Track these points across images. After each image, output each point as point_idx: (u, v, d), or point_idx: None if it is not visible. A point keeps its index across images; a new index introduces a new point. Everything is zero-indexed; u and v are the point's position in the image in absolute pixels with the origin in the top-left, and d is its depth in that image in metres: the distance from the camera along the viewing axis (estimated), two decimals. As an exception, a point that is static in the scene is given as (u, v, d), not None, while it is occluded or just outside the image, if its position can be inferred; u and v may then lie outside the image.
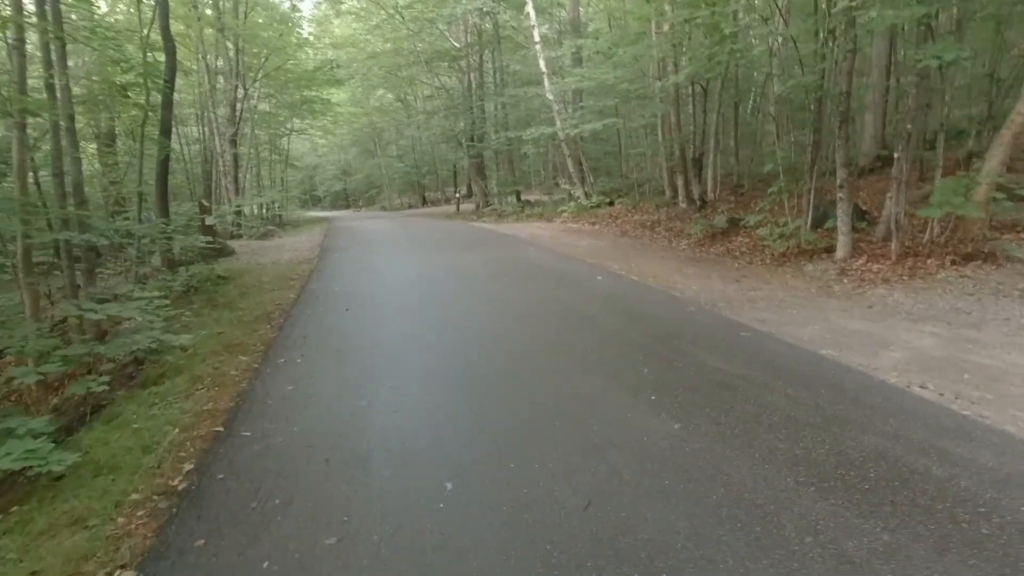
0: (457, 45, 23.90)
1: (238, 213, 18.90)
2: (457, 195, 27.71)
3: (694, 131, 13.49)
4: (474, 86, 23.52)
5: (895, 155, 7.66)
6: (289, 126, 29.55)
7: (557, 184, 28.95)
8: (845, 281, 7.46)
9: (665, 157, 15.34)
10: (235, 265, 10.77)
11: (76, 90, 12.36)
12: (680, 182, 13.88)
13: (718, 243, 11.07)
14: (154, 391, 4.44)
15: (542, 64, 16.21)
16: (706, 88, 12.41)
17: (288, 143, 28.76)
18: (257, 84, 23.89)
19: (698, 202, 13.06)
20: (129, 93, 9.75)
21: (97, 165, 21.02)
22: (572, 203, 16.61)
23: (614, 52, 12.65)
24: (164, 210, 9.94)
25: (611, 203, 16.54)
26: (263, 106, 27.77)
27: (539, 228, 15.42)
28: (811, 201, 9.60)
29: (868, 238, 8.66)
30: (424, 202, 36.63)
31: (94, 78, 10.46)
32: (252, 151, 25.25)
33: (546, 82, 16.30)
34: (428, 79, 26.76)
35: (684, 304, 6.19)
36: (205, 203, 11.15)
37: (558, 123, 16.30)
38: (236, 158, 19.51)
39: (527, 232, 14.51)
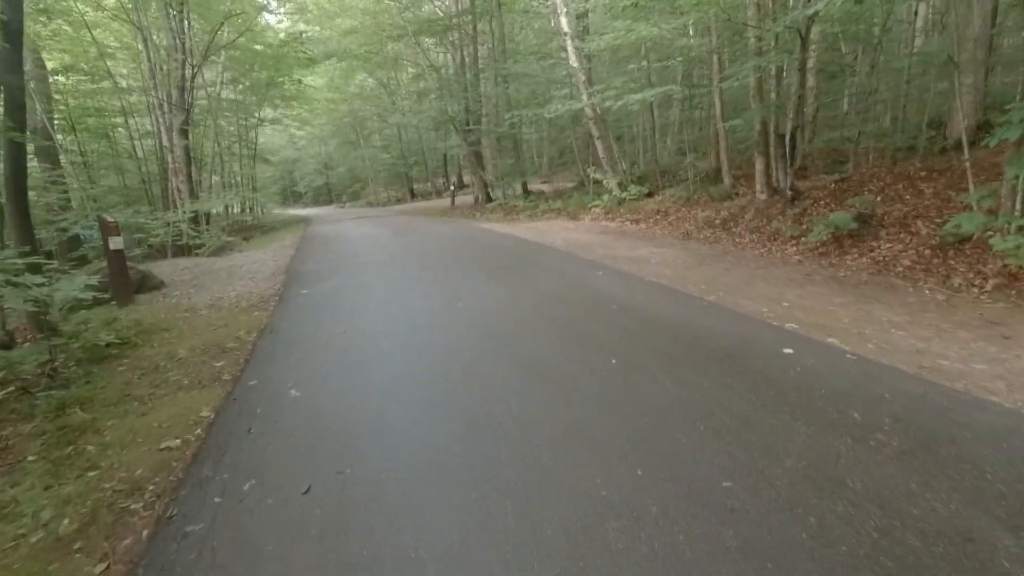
0: (441, 14, 19.81)
1: (194, 220, 14.82)
2: (452, 187, 23.74)
3: (777, 97, 9.76)
4: (468, 62, 19.47)
5: None
6: (259, 115, 25.35)
7: (551, 172, 25.16)
8: None
9: (724, 135, 11.66)
10: (152, 311, 6.87)
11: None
12: (760, 166, 10.20)
13: (851, 251, 7.45)
14: None
15: (564, 22, 12.30)
16: (804, 36, 8.65)
17: (256, 135, 24.46)
18: (215, 61, 19.71)
19: (789, 192, 9.39)
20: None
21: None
22: (605, 195, 12.83)
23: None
24: (25, 234, 6.01)
25: (650, 194, 12.85)
26: (227, 93, 23.62)
27: (569, 230, 11.65)
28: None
29: None
30: (412, 195, 32.55)
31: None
32: (215, 144, 21.00)
33: (569, 45, 12.40)
34: (414, 57, 22.67)
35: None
36: (110, 219, 7.19)
37: (584, 96, 12.47)
38: (188, 152, 15.36)
39: (559, 236, 10.74)
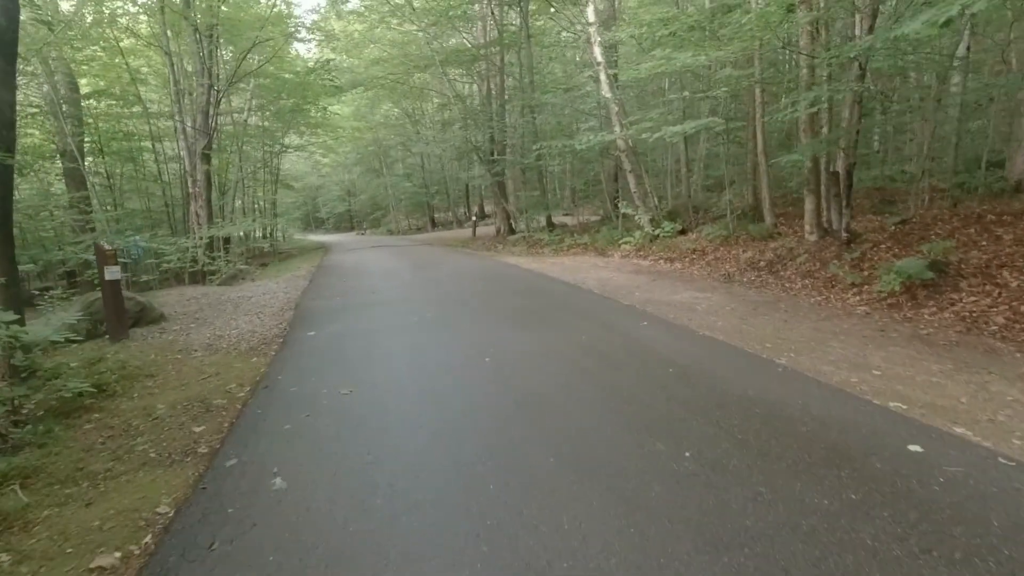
0: (470, 45, 19.45)
1: (210, 246, 14.31)
2: (473, 218, 23.17)
3: (830, 131, 8.94)
4: (494, 92, 19.05)
5: None
6: (285, 142, 25.22)
7: (573, 205, 24.45)
8: None
9: (765, 171, 10.84)
10: (144, 350, 6.13)
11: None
12: (809, 205, 9.33)
13: (927, 304, 6.50)
14: None
15: (597, 52, 11.70)
16: (863, 66, 7.85)
17: (278, 161, 24.23)
18: (243, 89, 19.61)
19: (844, 235, 8.49)
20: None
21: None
22: (637, 232, 12.03)
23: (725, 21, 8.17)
24: (6, 264, 5.35)
25: (683, 232, 12.01)
26: (254, 120, 23.56)
27: (600, 268, 10.82)
28: None
29: None
30: (433, 224, 32.11)
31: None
32: (239, 170, 20.73)
33: (602, 75, 11.78)
34: (440, 87, 22.42)
35: None
36: (107, 246, 6.55)
37: (617, 128, 11.78)
38: (209, 177, 14.96)
39: (590, 275, 9.91)
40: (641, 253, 11.80)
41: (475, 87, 22.62)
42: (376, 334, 6.05)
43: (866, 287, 7.37)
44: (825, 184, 9.06)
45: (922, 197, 10.64)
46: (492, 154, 18.17)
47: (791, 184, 12.45)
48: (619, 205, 12.69)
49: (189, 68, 16.05)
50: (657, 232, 11.66)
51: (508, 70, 18.63)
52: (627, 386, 4.08)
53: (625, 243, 11.95)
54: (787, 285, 8.28)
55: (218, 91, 14.52)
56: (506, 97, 18.57)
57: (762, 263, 9.35)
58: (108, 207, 19.49)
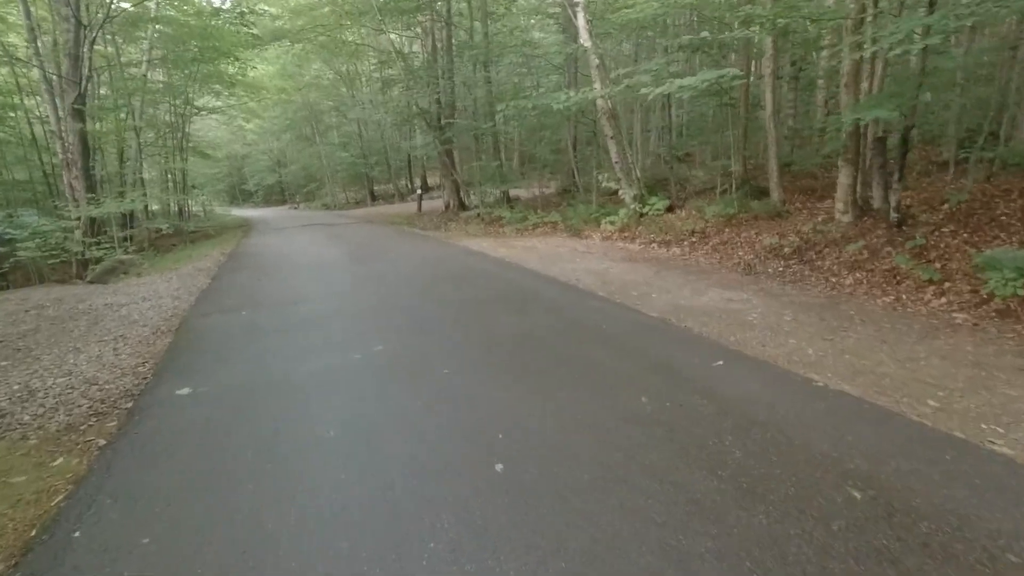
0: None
1: (93, 228, 11.00)
2: (418, 191, 20.36)
3: (868, 85, 7.03)
4: (441, 48, 16.17)
5: None
6: (198, 103, 21.33)
7: (521, 176, 22.03)
8: None
9: (775, 138, 8.92)
10: None
11: None
12: (845, 179, 7.45)
13: (1047, 313, 4.74)
14: None
15: (575, -12, 9.25)
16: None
17: (186, 124, 20.37)
18: (142, 36, 15.87)
19: (895, 216, 6.68)
20: None
21: None
22: (621, 209, 9.89)
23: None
24: None
25: (670, 209, 10.02)
26: (158, 76, 19.60)
27: (583, 255, 8.63)
28: None
29: None
30: (373, 198, 28.88)
31: None
32: (137, 134, 16.93)
33: (580, 19, 9.34)
34: (377, 43, 19.24)
35: None
36: None
37: (597, 85, 9.47)
38: (85, 139, 11.48)
39: (579, 266, 7.70)
40: (626, 234, 9.70)
41: (418, 45, 19.53)
42: (293, 392, 3.59)
43: (948, 285, 5.58)
44: (870, 153, 7.20)
45: (940, 168, 9.13)
46: (440, 119, 15.43)
47: (792, 152, 10.65)
48: (600, 178, 10.47)
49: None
50: (645, 209, 9.58)
51: (457, 21, 15.78)
52: (820, 566, 1.90)
53: (609, 223, 9.79)
54: (832, 280, 6.40)
55: (86, 27, 10.95)
56: (454, 53, 15.77)
57: (787, 250, 7.44)
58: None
